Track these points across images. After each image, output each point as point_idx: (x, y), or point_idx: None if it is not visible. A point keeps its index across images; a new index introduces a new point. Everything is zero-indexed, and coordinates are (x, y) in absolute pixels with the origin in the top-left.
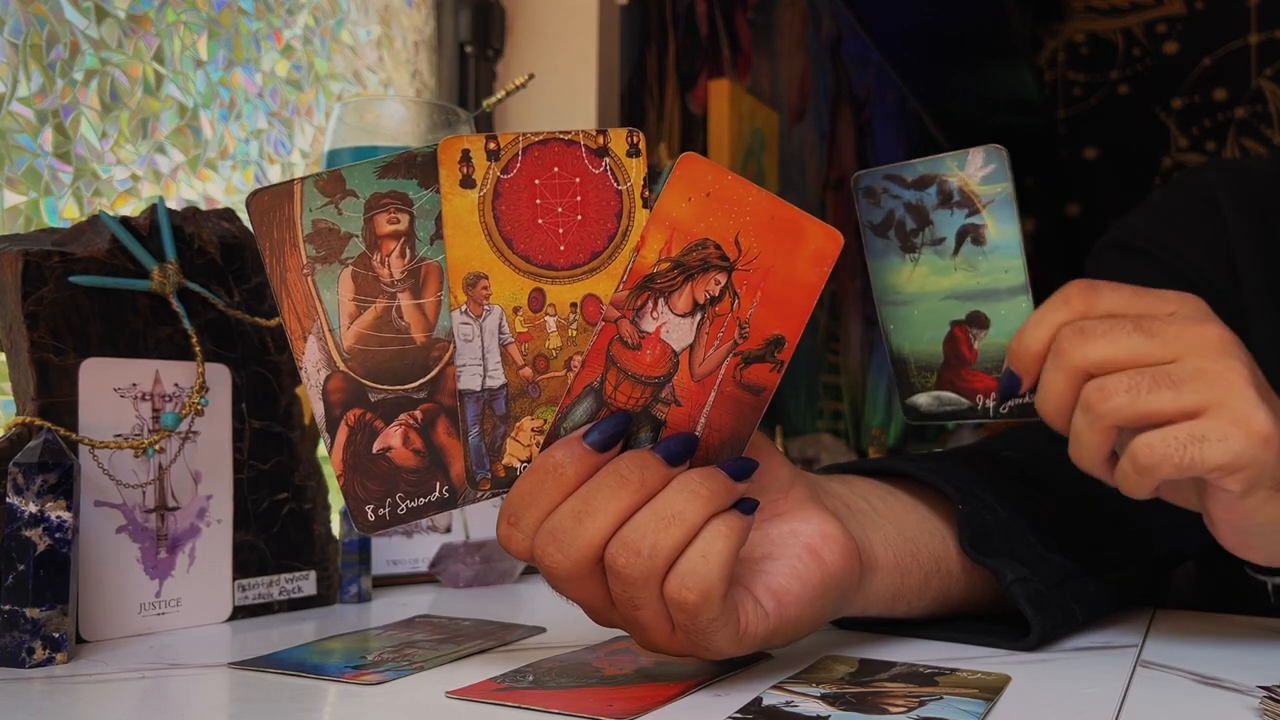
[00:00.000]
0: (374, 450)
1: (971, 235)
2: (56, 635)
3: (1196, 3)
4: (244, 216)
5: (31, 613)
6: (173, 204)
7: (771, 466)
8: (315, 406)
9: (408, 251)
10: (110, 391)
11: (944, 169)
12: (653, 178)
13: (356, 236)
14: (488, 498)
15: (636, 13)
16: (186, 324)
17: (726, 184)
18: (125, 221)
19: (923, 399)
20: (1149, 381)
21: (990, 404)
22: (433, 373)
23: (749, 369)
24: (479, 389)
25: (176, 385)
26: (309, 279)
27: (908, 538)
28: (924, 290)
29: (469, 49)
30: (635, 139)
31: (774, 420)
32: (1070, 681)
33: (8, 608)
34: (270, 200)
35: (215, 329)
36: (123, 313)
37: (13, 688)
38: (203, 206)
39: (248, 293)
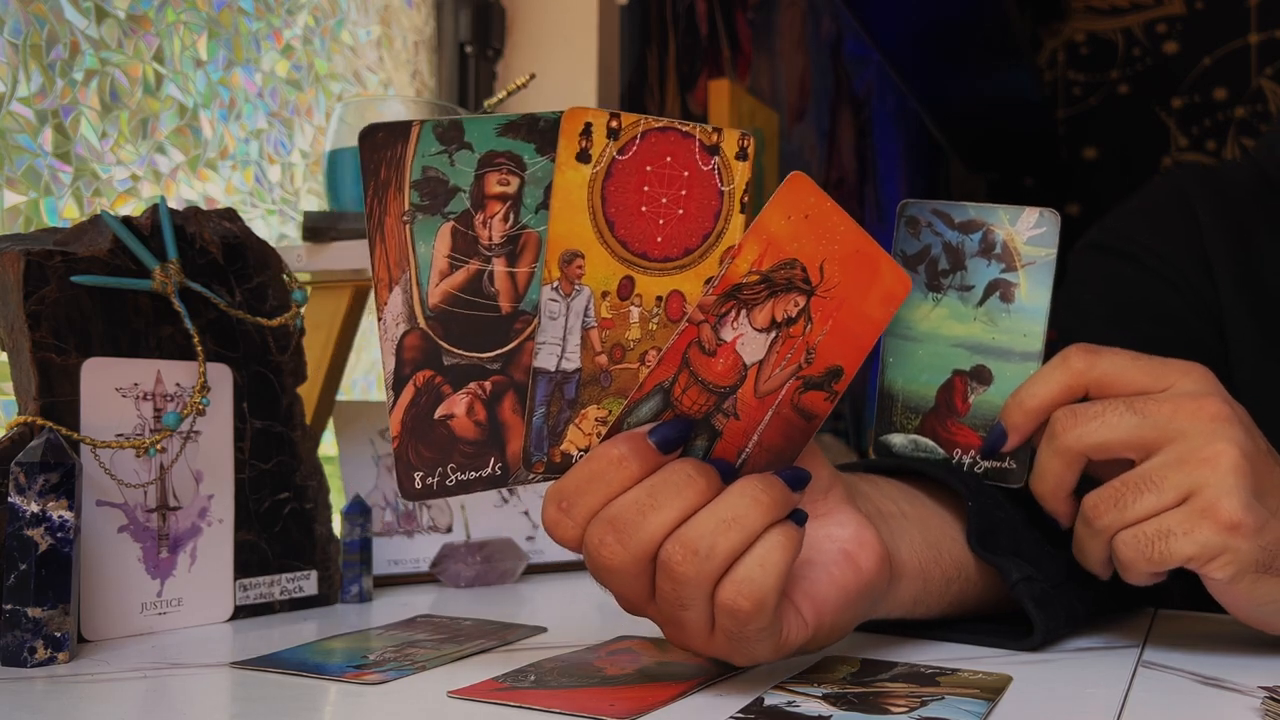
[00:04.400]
0: (436, 416)
1: (1001, 291)
2: (58, 635)
3: (1196, 3)
4: (245, 217)
5: (33, 612)
6: (173, 204)
7: (813, 467)
8: (386, 361)
9: (511, 216)
10: (112, 391)
11: (994, 219)
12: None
13: (464, 192)
14: (538, 481)
15: (636, 13)
16: (188, 324)
17: (825, 209)
18: (127, 221)
19: (898, 439)
20: (1133, 489)
21: (967, 460)
22: (511, 345)
23: (806, 394)
24: (554, 369)
25: (178, 385)
26: (408, 227)
27: (931, 543)
28: (936, 332)
29: (469, 49)
30: (746, 142)
31: None
32: (1072, 682)
33: (10, 607)
34: (384, 138)
35: (217, 329)
36: (124, 312)
37: (15, 687)
38: (203, 206)
39: (249, 292)
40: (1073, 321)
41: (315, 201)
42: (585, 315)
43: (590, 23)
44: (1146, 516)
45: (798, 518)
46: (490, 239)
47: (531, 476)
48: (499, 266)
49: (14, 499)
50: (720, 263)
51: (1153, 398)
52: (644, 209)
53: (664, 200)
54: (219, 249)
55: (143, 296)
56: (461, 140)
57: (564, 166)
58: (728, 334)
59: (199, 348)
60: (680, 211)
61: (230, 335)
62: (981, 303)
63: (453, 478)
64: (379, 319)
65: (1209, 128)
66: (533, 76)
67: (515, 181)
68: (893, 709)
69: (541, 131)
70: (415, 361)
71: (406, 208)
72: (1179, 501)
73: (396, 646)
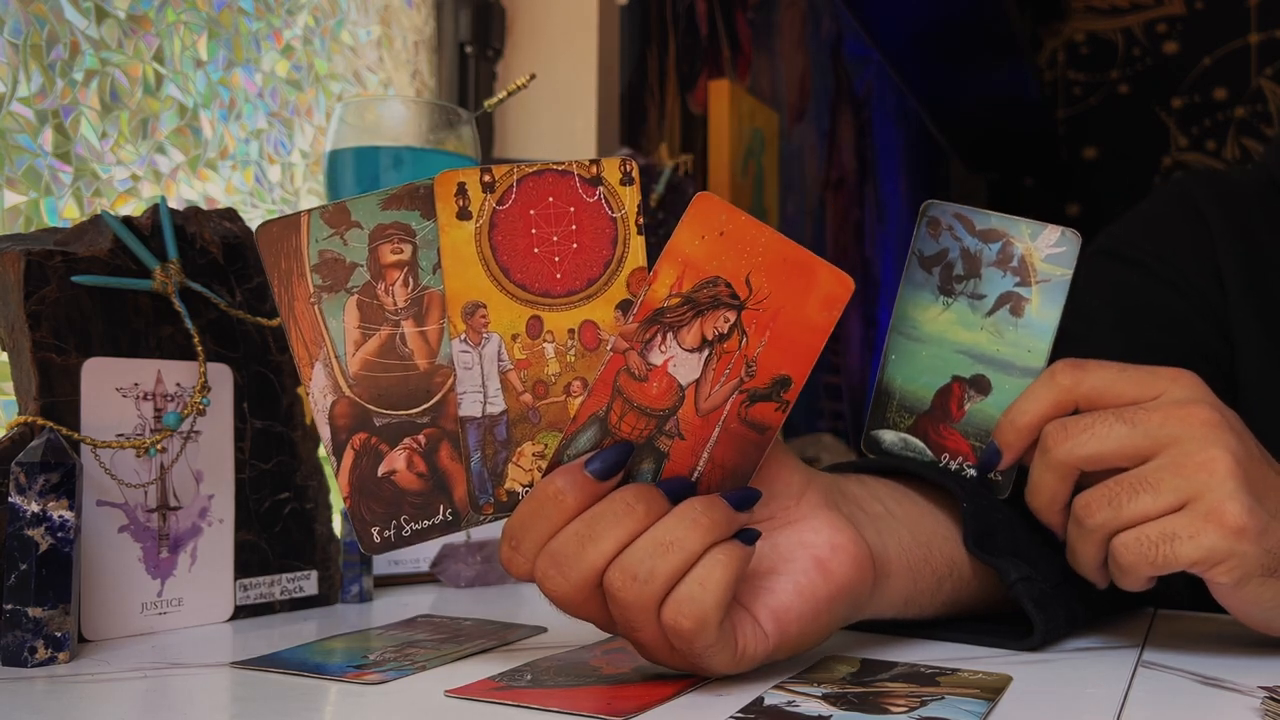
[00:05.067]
0: (379, 473)
1: (1012, 304)
2: (59, 634)
3: (1196, 3)
4: (245, 217)
5: (34, 612)
6: (173, 204)
7: (782, 473)
8: (322, 431)
9: (411, 280)
10: (112, 391)
11: (1015, 231)
12: (653, 177)
13: (361, 266)
14: (490, 521)
15: (636, 13)
16: (188, 324)
17: (740, 224)
18: (127, 221)
19: (889, 435)
20: (1127, 489)
21: (955, 465)
22: (435, 398)
23: (754, 407)
24: (480, 415)
25: (178, 385)
26: (315, 307)
27: (921, 542)
28: (942, 335)
29: (469, 49)
30: (628, 167)
31: None
32: (1071, 682)
33: (10, 607)
34: (278, 231)
35: (217, 329)
36: (125, 312)
37: (15, 687)
38: (203, 206)
39: (249, 292)
40: (1078, 327)
41: (315, 202)
42: (500, 359)
43: (590, 23)
44: (1142, 517)
45: (745, 537)
46: (395, 304)
47: (482, 518)
48: (409, 328)
49: (14, 499)
50: (633, 290)
51: (1142, 407)
52: (536, 250)
53: (555, 238)
54: (219, 249)
55: (143, 296)
56: (349, 220)
57: (447, 227)
58: (656, 358)
59: (199, 348)
60: (575, 245)
61: (230, 335)
62: (991, 313)
63: (407, 528)
64: (307, 394)
65: (1209, 128)
66: (533, 76)
67: (408, 248)
68: (893, 709)
69: (423, 198)
70: (349, 427)
71: (311, 290)
72: (1178, 505)
73: (396, 646)
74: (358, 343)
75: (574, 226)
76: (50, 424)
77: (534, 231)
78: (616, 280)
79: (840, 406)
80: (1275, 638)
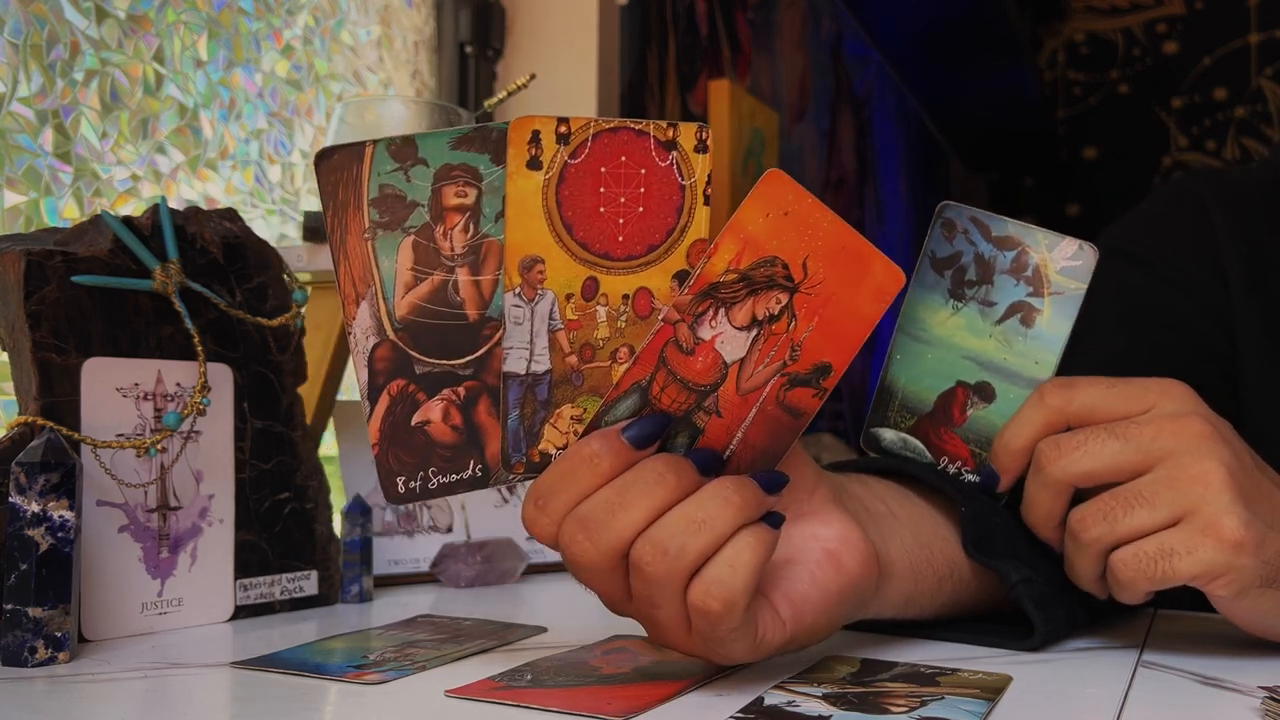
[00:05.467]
0: (413, 422)
1: (1023, 314)
2: (59, 634)
3: (1196, 3)
4: (245, 217)
5: (34, 612)
6: (173, 204)
7: (797, 467)
8: (360, 373)
9: (471, 226)
10: (112, 391)
11: (1032, 240)
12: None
13: (422, 206)
14: (520, 480)
15: (636, 13)
16: (189, 324)
17: (806, 206)
18: (127, 221)
19: (888, 434)
20: (1122, 503)
21: (952, 469)
22: (481, 351)
23: (793, 391)
24: (524, 372)
25: (178, 385)
26: (369, 244)
27: (922, 543)
28: (950, 340)
29: (469, 49)
30: (704, 135)
31: None
32: (1072, 682)
33: (10, 607)
34: (340, 160)
35: (217, 329)
36: (125, 312)
37: (15, 687)
38: (203, 206)
39: (250, 292)
40: (1079, 324)
41: (315, 201)
42: (550, 318)
43: (590, 23)
44: (1138, 531)
45: (773, 520)
46: (452, 250)
47: (512, 477)
48: (463, 276)
49: (14, 499)
50: (692, 261)
51: (1134, 421)
52: (602, 210)
53: (622, 199)
54: (219, 249)
55: (143, 296)
56: (416, 156)
57: (515, 175)
58: (705, 333)
59: (199, 348)
60: (640, 209)
61: (231, 335)
62: (1001, 321)
63: (434, 481)
64: (349, 333)
65: (1209, 128)
66: (533, 76)
67: (473, 192)
68: (893, 709)
69: (495, 142)
70: (388, 372)
71: (367, 225)
72: (1174, 519)
73: (397, 646)
74: (408, 285)
75: (643, 190)
76: (50, 424)
77: (602, 190)
78: (677, 249)
79: (840, 406)
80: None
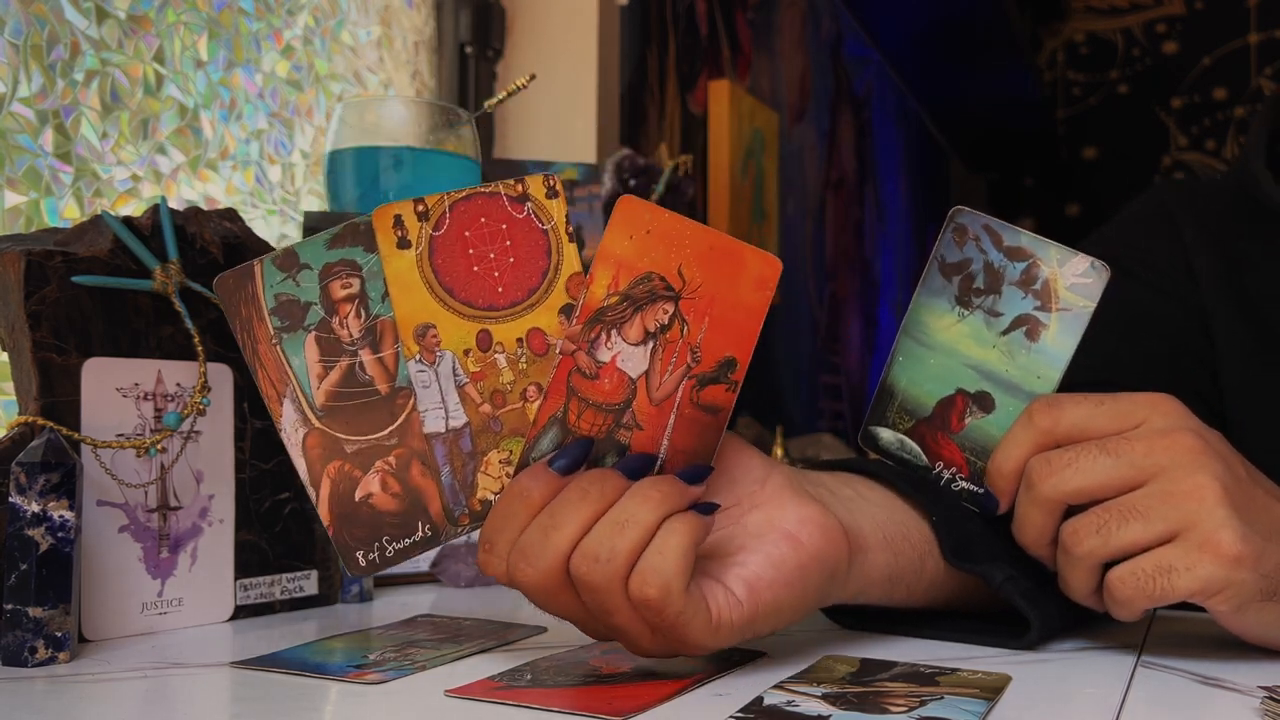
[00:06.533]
0: (356, 498)
1: (1029, 327)
2: (59, 634)
3: (1196, 3)
4: (246, 217)
5: (34, 612)
6: (173, 204)
7: (742, 459)
8: (298, 464)
9: (363, 312)
10: (112, 391)
11: (1043, 254)
12: (653, 178)
13: (315, 304)
14: (467, 532)
15: (636, 13)
16: (189, 324)
17: (664, 221)
18: (128, 221)
19: (886, 434)
20: (1116, 517)
21: (946, 475)
22: (400, 419)
23: (705, 390)
24: (444, 430)
25: (178, 385)
26: (277, 348)
27: (897, 520)
28: (953, 346)
29: (469, 49)
30: (552, 182)
31: (774, 420)
32: (1071, 681)
33: (10, 607)
34: (234, 281)
35: (217, 329)
36: (125, 312)
37: (15, 687)
38: (204, 207)
39: None
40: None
41: (316, 202)
42: (455, 375)
43: (590, 23)
44: (1131, 545)
45: (703, 509)
46: (350, 336)
47: (460, 530)
48: (366, 356)
49: (15, 499)
50: (573, 294)
51: (1125, 437)
52: (476, 269)
53: (492, 255)
54: (219, 249)
55: (143, 296)
56: (299, 263)
57: (390, 257)
58: (604, 355)
59: (199, 348)
60: (511, 259)
61: (230, 335)
62: (1006, 332)
63: (390, 548)
64: (280, 430)
65: (1209, 127)
66: (533, 77)
67: (356, 282)
68: (892, 709)
69: (364, 234)
70: (322, 457)
71: (271, 332)
72: (1168, 535)
73: (397, 646)
74: (320, 376)
75: (508, 242)
76: (50, 424)
77: (471, 251)
78: (556, 287)
79: (840, 406)
80: None
